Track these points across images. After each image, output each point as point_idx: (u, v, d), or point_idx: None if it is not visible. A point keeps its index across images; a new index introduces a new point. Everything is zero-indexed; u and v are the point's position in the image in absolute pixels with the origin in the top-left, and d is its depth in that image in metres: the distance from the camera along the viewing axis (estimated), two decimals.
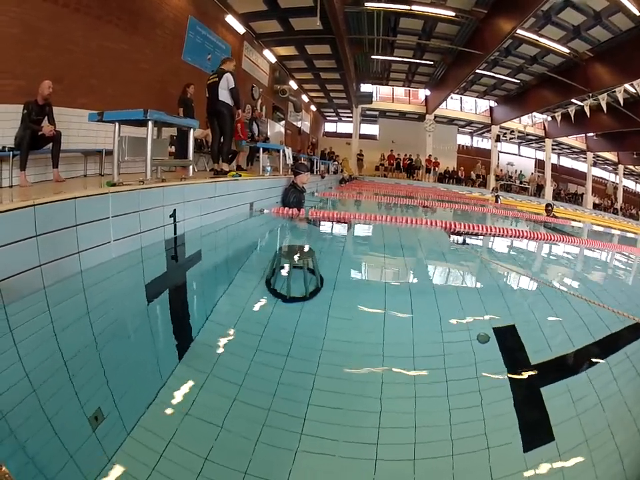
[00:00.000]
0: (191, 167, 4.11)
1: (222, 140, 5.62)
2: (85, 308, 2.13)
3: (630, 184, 29.96)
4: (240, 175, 5.27)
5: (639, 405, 1.82)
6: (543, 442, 1.54)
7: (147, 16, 7.98)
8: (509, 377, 1.89)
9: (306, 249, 3.62)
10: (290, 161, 7.88)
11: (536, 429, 1.63)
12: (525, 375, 1.94)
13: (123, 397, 1.52)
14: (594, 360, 2.19)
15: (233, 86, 5.35)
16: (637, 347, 2.29)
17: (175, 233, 3.31)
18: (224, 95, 5.32)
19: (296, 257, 2.85)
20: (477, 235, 5.52)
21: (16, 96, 5.00)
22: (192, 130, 4.05)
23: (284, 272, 2.75)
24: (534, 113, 20.61)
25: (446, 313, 2.49)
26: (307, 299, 2.46)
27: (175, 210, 3.24)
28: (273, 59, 15.72)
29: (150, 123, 3.14)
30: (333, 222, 5.45)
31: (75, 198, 2.26)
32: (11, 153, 4.60)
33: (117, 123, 3.10)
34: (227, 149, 5.70)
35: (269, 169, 6.85)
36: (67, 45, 6.10)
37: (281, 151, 7.81)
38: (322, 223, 5.36)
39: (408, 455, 1.44)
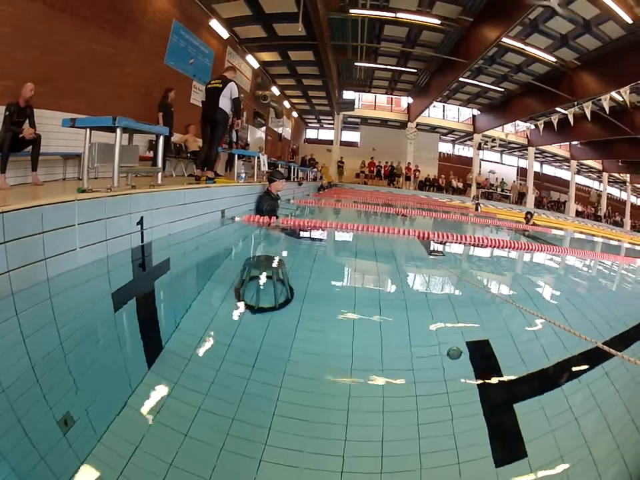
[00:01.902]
0: (159, 174, 4.09)
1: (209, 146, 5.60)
2: (52, 315, 2.11)
3: (615, 191, 30.65)
4: (214, 181, 5.27)
5: (617, 420, 1.83)
6: (515, 458, 1.55)
7: (133, 19, 7.98)
8: (481, 392, 1.87)
9: (276, 258, 3.64)
10: (265, 168, 7.87)
11: (508, 445, 1.63)
12: (498, 390, 1.95)
13: (93, 404, 1.53)
14: (569, 376, 2.18)
15: (237, 96, 5.41)
16: (615, 363, 2.21)
17: (142, 241, 3.27)
18: (224, 103, 5.35)
19: (265, 267, 2.86)
20: (453, 244, 5.50)
21: (1, 97, 4.93)
22: (162, 137, 4.04)
23: (253, 282, 2.76)
24: (517, 121, 20.76)
25: (418, 326, 2.46)
26: (276, 310, 2.45)
27: (142, 217, 3.22)
28: (256, 65, 15.73)
29: (118, 130, 3.13)
30: (305, 231, 5.41)
31: (42, 205, 2.26)
32: None
33: (87, 129, 3.09)
34: (214, 156, 5.71)
35: (243, 175, 6.83)
36: (55, 47, 6.08)
37: (256, 158, 7.80)
38: (294, 231, 5.31)
39: (375, 469, 1.44)
